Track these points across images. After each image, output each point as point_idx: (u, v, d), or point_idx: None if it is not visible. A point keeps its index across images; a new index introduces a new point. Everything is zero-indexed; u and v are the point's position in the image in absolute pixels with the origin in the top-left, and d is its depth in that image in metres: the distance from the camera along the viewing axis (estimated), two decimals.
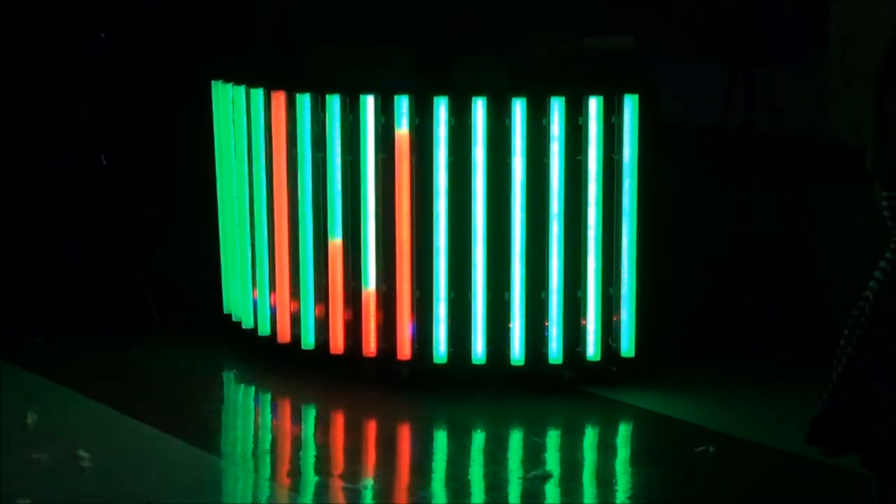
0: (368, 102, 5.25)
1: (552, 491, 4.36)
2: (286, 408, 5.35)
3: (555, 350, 5.27)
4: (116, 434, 4.86)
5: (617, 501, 4.31)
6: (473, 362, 5.29)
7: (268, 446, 4.92)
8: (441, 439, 4.95)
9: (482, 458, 4.76)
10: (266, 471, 4.62)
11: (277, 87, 5.46)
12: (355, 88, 5.28)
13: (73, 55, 6.64)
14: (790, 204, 5.93)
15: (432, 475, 4.55)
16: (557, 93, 5.17)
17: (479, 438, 4.93)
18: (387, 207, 5.28)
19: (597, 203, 5.23)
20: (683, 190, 6.04)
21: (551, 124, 5.17)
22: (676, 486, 4.45)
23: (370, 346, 5.37)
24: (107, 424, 4.96)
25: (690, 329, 5.82)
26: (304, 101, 5.38)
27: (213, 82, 5.95)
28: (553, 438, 4.91)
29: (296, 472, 4.62)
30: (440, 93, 5.20)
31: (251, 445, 4.95)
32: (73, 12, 6.64)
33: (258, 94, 5.55)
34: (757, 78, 5.89)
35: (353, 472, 4.53)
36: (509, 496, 4.38)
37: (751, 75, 5.87)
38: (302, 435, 5.05)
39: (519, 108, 5.16)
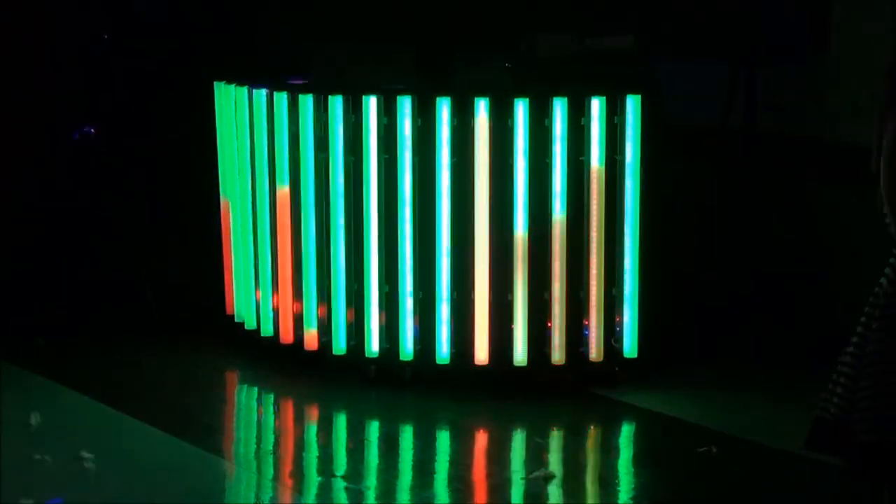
0: (371, 103, 5.25)
1: (554, 491, 4.36)
2: (289, 408, 5.36)
3: (557, 351, 5.28)
4: (119, 435, 4.86)
5: (619, 502, 4.31)
6: (476, 363, 5.29)
7: (270, 447, 4.92)
8: (443, 440, 4.96)
9: (484, 459, 4.76)
10: (269, 471, 4.62)
11: (280, 88, 5.46)
12: (358, 89, 5.29)
13: (75, 56, 6.65)
14: (792, 204, 5.93)
15: (435, 476, 4.55)
16: (560, 93, 5.17)
17: (481, 439, 4.93)
18: (389, 208, 5.28)
19: (599, 204, 5.23)
20: (685, 190, 6.05)
21: (553, 125, 5.17)
22: (678, 486, 4.45)
23: (373, 346, 5.37)
24: (110, 425, 4.97)
25: (693, 330, 5.82)
26: (306, 101, 5.38)
27: (215, 83, 5.95)
28: (555, 439, 4.91)
29: (298, 473, 4.62)
30: (443, 93, 5.20)
31: (254, 446, 4.96)
32: (74, 13, 6.64)
33: (260, 94, 5.55)
34: (759, 78, 5.89)
35: (355, 473, 4.53)
36: (512, 497, 4.39)
37: (752, 75, 5.88)
38: (304, 435, 5.06)
39: (521, 108, 5.17)
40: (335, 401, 5.29)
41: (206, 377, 5.62)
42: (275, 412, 5.35)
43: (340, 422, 5.19)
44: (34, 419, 4.88)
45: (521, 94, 5.18)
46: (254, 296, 5.77)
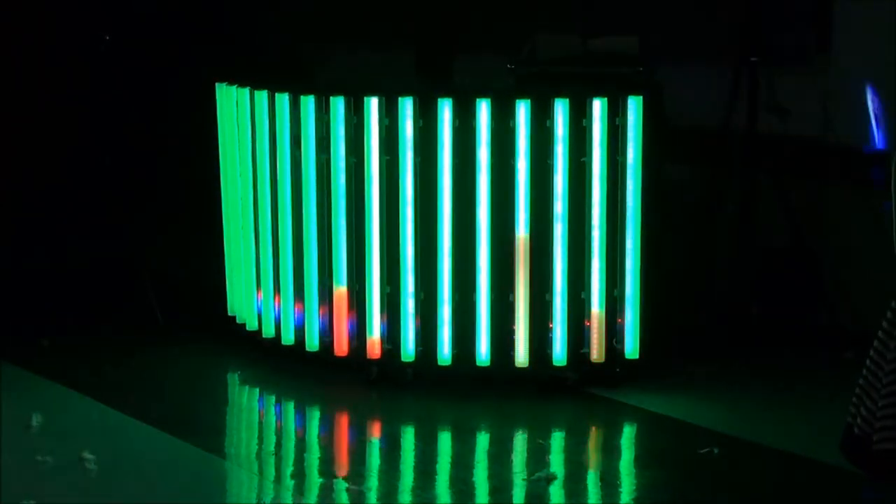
0: (372, 104, 5.25)
1: (556, 492, 4.36)
2: (290, 409, 5.36)
3: (559, 352, 5.28)
4: (121, 436, 4.86)
5: (621, 503, 4.31)
6: (477, 364, 5.30)
7: (272, 448, 4.92)
8: (445, 441, 4.96)
9: (486, 460, 4.76)
10: (270, 472, 4.62)
11: (281, 89, 5.47)
12: (359, 90, 5.29)
13: (77, 58, 6.66)
14: (794, 205, 5.93)
15: (436, 477, 4.55)
16: (561, 94, 5.17)
17: (483, 440, 4.93)
18: (391, 209, 5.28)
19: (601, 205, 5.23)
20: (687, 192, 6.05)
21: (555, 126, 5.17)
22: (680, 487, 4.45)
23: (374, 347, 5.37)
24: (112, 426, 4.97)
25: (695, 331, 5.82)
26: (308, 102, 5.38)
27: (217, 84, 5.95)
28: (557, 440, 4.91)
29: (300, 474, 4.62)
30: (444, 94, 5.20)
31: (255, 447, 4.95)
32: (76, 14, 6.65)
33: (262, 96, 5.56)
34: (761, 80, 5.89)
35: (357, 474, 4.53)
36: (513, 498, 4.38)
37: (755, 77, 5.88)
38: (306, 436, 5.05)
39: (523, 109, 5.17)
40: (336, 402, 5.29)
41: (208, 378, 5.63)
42: (276, 413, 5.35)
43: (342, 422, 5.19)
44: (36, 420, 4.88)
45: (522, 96, 5.18)
46: (255, 297, 5.77)
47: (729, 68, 5.94)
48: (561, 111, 5.16)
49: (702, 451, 4.64)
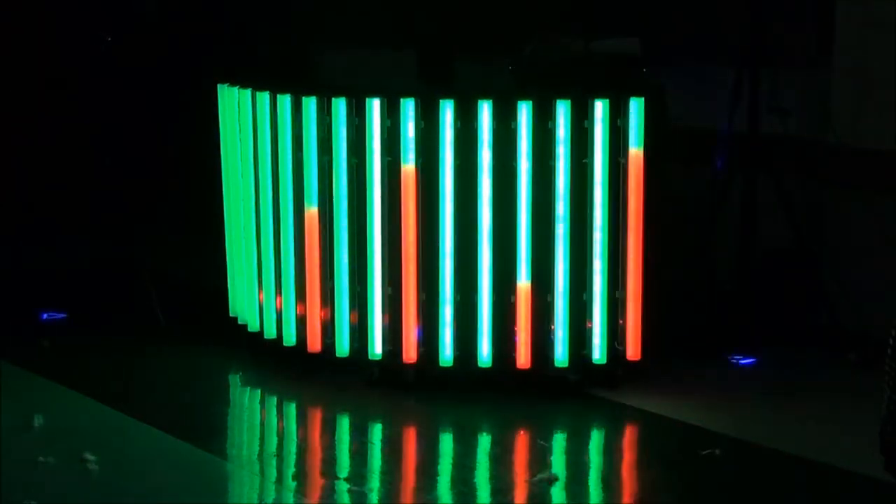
0: (374, 105, 5.25)
1: (558, 494, 4.36)
2: (292, 410, 5.36)
3: (560, 353, 5.27)
4: (123, 436, 4.86)
5: None
6: (479, 365, 5.30)
7: (274, 449, 4.92)
8: (447, 442, 4.96)
9: (488, 461, 4.76)
10: (272, 473, 4.62)
11: (283, 91, 5.47)
12: (361, 91, 5.29)
13: (79, 58, 6.66)
14: (796, 207, 5.93)
15: (438, 478, 4.55)
16: (563, 96, 5.17)
17: (484, 441, 4.93)
18: (393, 211, 5.28)
19: (602, 206, 5.23)
20: (689, 193, 6.05)
21: (557, 127, 5.17)
22: (682, 489, 4.45)
23: (376, 349, 5.37)
24: (113, 427, 4.97)
25: (696, 332, 5.81)
26: (310, 104, 5.38)
27: (218, 86, 5.95)
28: (559, 441, 4.91)
29: (301, 475, 4.62)
30: (446, 96, 5.20)
31: (257, 448, 4.96)
32: (78, 15, 6.66)
33: (264, 97, 5.56)
34: (763, 81, 5.89)
35: (358, 475, 4.53)
36: (515, 499, 4.38)
37: (757, 78, 5.87)
38: (308, 438, 5.05)
39: (525, 111, 5.17)
40: (338, 403, 5.29)
41: (210, 379, 5.62)
42: (278, 414, 5.35)
43: (343, 424, 5.19)
44: (37, 421, 4.88)
45: (524, 97, 5.18)
46: (257, 298, 5.77)
47: (731, 69, 5.93)
48: (562, 112, 5.16)
49: (703, 453, 4.63)
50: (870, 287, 5.82)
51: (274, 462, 4.74)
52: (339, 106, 5.32)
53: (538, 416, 5.11)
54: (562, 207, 5.21)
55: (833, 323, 5.80)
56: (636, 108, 5.22)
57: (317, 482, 4.51)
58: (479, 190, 5.21)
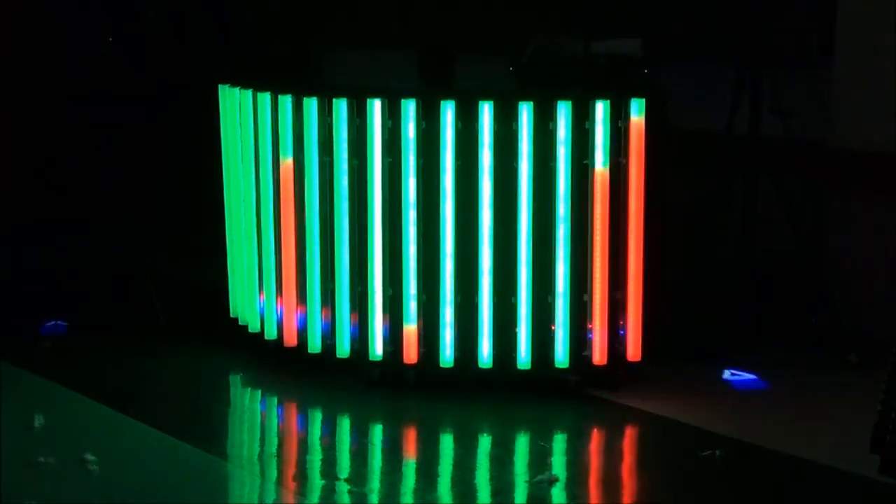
0: (375, 106, 5.25)
1: (558, 495, 4.36)
2: (292, 411, 5.36)
3: (561, 354, 5.27)
4: (123, 437, 4.86)
5: None
6: (480, 366, 5.30)
7: (274, 450, 4.92)
8: (447, 443, 4.96)
9: (488, 462, 4.76)
10: (272, 474, 4.62)
11: (284, 91, 5.47)
12: (362, 92, 5.29)
13: (80, 59, 6.66)
14: (797, 208, 5.93)
15: (438, 479, 4.55)
16: (564, 97, 5.17)
17: (485, 442, 4.93)
18: (393, 211, 5.28)
19: (603, 207, 5.22)
20: (689, 194, 6.05)
21: (557, 128, 5.17)
22: (682, 490, 4.45)
23: (376, 349, 5.37)
24: (113, 427, 4.97)
25: (696, 333, 5.81)
26: (311, 104, 5.38)
27: (219, 86, 5.95)
28: (559, 442, 4.91)
29: (302, 476, 4.62)
30: (447, 96, 5.20)
31: (257, 449, 4.96)
32: (79, 16, 6.65)
33: (265, 97, 5.56)
34: (764, 82, 5.89)
35: (358, 476, 4.53)
36: (515, 500, 4.38)
37: (758, 79, 5.87)
38: (308, 438, 5.06)
39: (525, 112, 5.17)
40: (338, 404, 5.29)
41: (210, 380, 5.62)
42: (278, 415, 5.35)
43: (344, 425, 5.19)
44: (37, 421, 4.88)
45: (525, 98, 5.18)
46: (258, 298, 5.77)
47: (732, 70, 5.93)
48: (563, 113, 5.16)
49: (704, 454, 4.63)
50: (870, 288, 5.82)
51: (274, 463, 4.74)
52: (340, 106, 5.32)
53: (538, 417, 5.11)
54: (562, 208, 5.20)
55: (833, 323, 5.80)
56: (637, 108, 5.22)
57: (317, 483, 4.51)
58: (479, 191, 5.21)
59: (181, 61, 6.81)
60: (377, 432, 5.05)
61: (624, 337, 5.32)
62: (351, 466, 4.67)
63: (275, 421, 5.30)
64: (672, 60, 6.09)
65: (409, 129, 5.22)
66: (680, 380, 5.44)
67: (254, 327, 5.82)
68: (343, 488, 4.40)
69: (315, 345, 5.51)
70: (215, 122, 6.01)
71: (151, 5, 6.99)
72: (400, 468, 4.68)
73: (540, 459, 4.72)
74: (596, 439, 5.02)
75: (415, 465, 4.70)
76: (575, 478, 4.57)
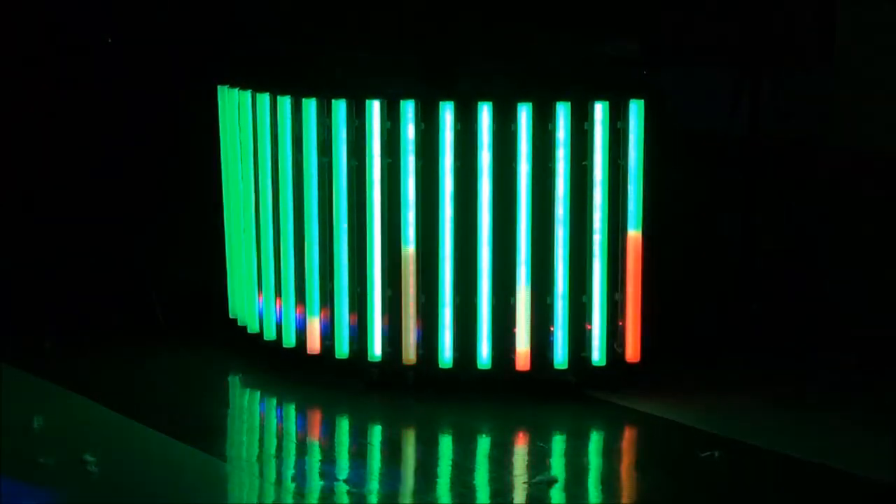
0: (374, 107, 5.26)
1: (557, 496, 4.36)
2: (291, 412, 5.36)
3: (560, 355, 5.27)
4: (122, 438, 4.87)
5: None
6: (479, 367, 5.30)
7: (273, 450, 4.93)
8: (446, 444, 4.96)
9: (487, 463, 4.76)
10: (271, 475, 4.62)
11: (283, 92, 5.47)
12: (361, 93, 5.29)
13: (79, 59, 6.65)
14: (797, 209, 5.94)
15: (437, 480, 4.55)
16: (563, 98, 5.17)
17: (484, 443, 4.93)
18: (392, 212, 5.28)
19: (602, 208, 5.23)
20: (688, 195, 6.05)
21: (557, 129, 5.17)
22: (681, 490, 4.45)
23: (375, 350, 5.37)
24: (113, 428, 4.97)
25: (696, 334, 5.82)
26: (310, 105, 5.39)
27: (219, 87, 5.96)
28: (558, 443, 4.91)
29: (301, 477, 4.62)
30: (446, 98, 5.20)
31: (256, 449, 4.96)
32: (78, 16, 6.65)
33: (264, 98, 5.56)
34: (764, 84, 5.89)
35: (358, 477, 4.53)
36: (514, 501, 4.38)
37: (758, 81, 5.88)
38: (307, 439, 5.06)
39: (525, 113, 5.17)
40: (338, 404, 5.29)
41: (210, 381, 5.63)
42: (277, 416, 5.35)
43: (343, 425, 5.19)
44: (37, 422, 4.88)
45: (524, 99, 5.18)
46: (256, 299, 5.77)
47: (732, 72, 5.94)
48: (562, 114, 5.17)
49: (703, 455, 4.64)
50: (870, 289, 5.82)
51: (273, 463, 4.74)
52: (339, 108, 5.33)
53: (537, 418, 5.11)
54: (561, 209, 5.21)
55: (833, 325, 5.80)
56: (636, 110, 5.22)
57: (316, 484, 4.51)
58: (478, 192, 5.21)
59: (181, 61, 6.80)
60: (376, 433, 5.05)
61: (623, 338, 5.32)
62: (350, 467, 4.68)
63: (274, 422, 5.30)
64: (672, 61, 6.09)
65: (409, 130, 5.23)
66: (678, 381, 5.44)
67: (253, 328, 5.83)
68: (342, 489, 4.40)
69: (314, 346, 5.51)
70: (215, 122, 6.01)
71: (151, 5, 6.98)
72: (399, 469, 4.68)
73: (539, 460, 4.72)
74: (595, 440, 5.02)
75: (414, 466, 4.70)
76: (574, 479, 4.57)
